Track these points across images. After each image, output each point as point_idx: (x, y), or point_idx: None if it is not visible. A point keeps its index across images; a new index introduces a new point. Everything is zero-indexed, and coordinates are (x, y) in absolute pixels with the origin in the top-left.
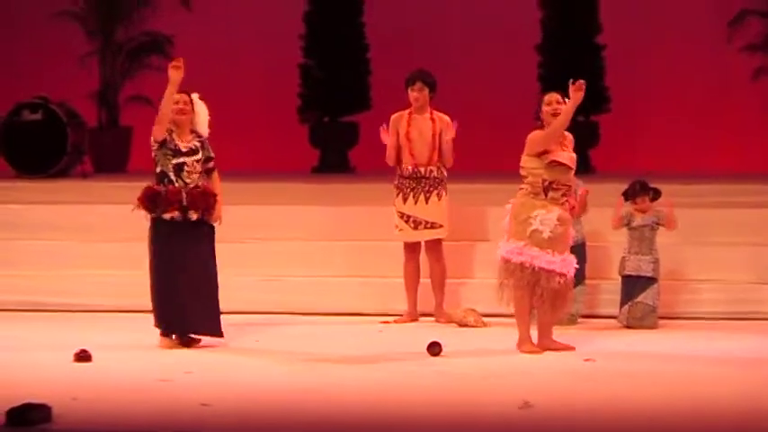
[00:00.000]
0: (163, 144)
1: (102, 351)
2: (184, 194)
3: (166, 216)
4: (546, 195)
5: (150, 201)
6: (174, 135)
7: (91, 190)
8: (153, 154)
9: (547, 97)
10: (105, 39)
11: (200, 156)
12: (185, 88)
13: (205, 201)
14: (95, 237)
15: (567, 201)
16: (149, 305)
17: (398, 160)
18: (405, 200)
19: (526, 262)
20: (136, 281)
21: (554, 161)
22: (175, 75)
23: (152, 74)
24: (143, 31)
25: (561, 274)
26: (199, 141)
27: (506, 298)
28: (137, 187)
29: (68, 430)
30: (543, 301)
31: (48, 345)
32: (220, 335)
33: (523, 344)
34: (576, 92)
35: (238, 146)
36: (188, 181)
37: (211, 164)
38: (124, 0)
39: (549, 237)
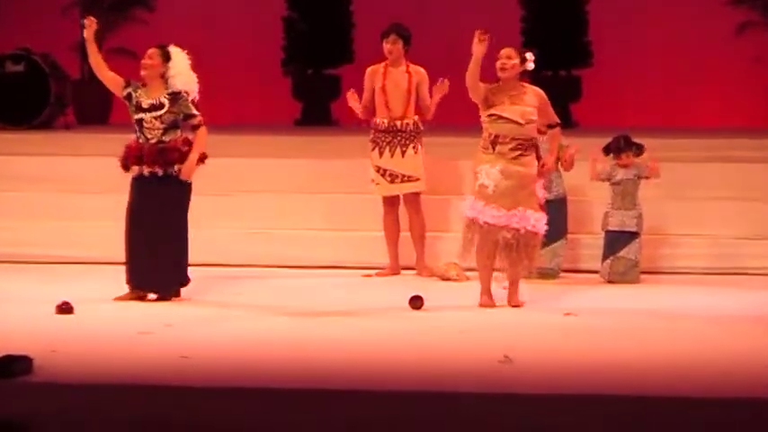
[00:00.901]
0: (128, 99)
1: (84, 303)
2: (144, 150)
3: (130, 171)
4: (494, 149)
5: (122, 158)
6: (141, 90)
7: (73, 141)
8: None
9: (500, 52)
10: None
11: (161, 112)
12: (171, 41)
13: (163, 156)
14: (78, 188)
15: (521, 155)
16: None
17: (373, 114)
18: (381, 154)
19: (475, 217)
20: (118, 233)
21: (494, 114)
22: (86, 33)
23: (135, 26)
24: None
25: (511, 229)
26: (168, 96)
27: (465, 255)
28: (118, 139)
29: (49, 382)
30: (500, 256)
31: (29, 297)
32: (167, 293)
33: (480, 297)
34: (477, 44)
35: (222, 98)
36: (149, 136)
37: (195, 120)
38: None
39: (493, 191)
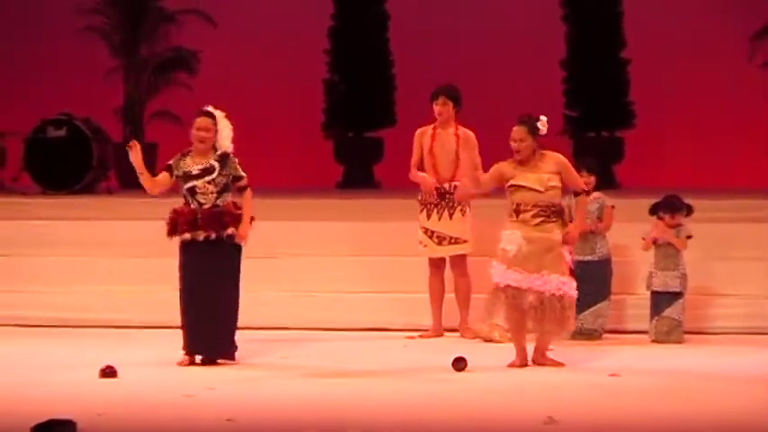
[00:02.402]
0: (178, 177)
1: (128, 367)
2: (198, 215)
3: (182, 238)
4: (517, 217)
5: (170, 224)
6: (186, 159)
7: (116, 206)
8: None
9: (512, 133)
10: (130, 54)
11: (214, 175)
12: (212, 104)
13: (219, 220)
14: (120, 252)
15: (544, 221)
16: (174, 321)
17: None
18: (429, 216)
19: (498, 281)
20: (161, 296)
21: (513, 185)
22: (132, 157)
23: (177, 89)
24: (168, 47)
25: (534, 291)
26: (217, 160)
27: (488, 317)
28: (161, 203)
29: None
30: (530, 319)
31: (73, 361)
32: (230, 357)
33: (515, 360)
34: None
35: (263, 161)
36: (202, 201)
37: (242, 182)
38: (149, 16)
39: (514, 255)
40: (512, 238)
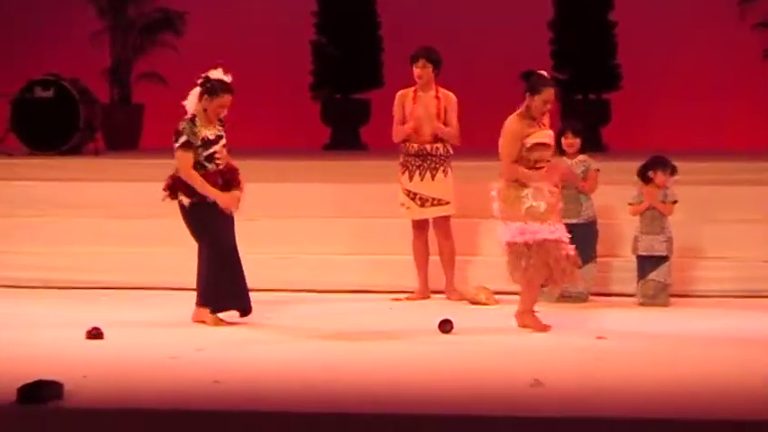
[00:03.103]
0: (200, 145)
1: (115, 328)
2: (219, 176)
3: (210, 199)
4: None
5: (187, 187)
6: (198, 127)
7: (103, 167)
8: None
9: (548, 92)
10: (117, 15)
11: (224, 140)
12: (200, 66)
13: (235, 176)
14: (107, 214)
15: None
16: (161, 282)
17: (404, 137)
18: (411, 177)
19: (530, 239)
20: (149, 258)
21: (536, 143)
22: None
23: (164, 51)
24: (155, 8)
25: (564, 242)
26: (221, 124)
27: (519, 279)
28: (149, 164)
29: (80, 408)
30: (556, 271)
31: (59, 322)
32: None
33: (525, 315)
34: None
35: (250, 123)
36: (219, 164)
37: None
38: None
39: (545, 209)
40: (538, 194)
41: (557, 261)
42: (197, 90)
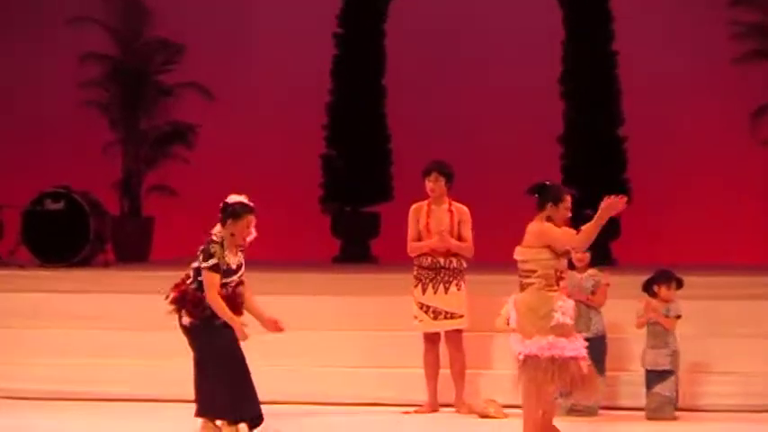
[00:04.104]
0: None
1: None
2: (228, 301)
3: (218, 321)
4: (558, 285)
5: (195, 306)
6: (225, 252)
7: (113, 279)
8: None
9: (568, 199)
10: (128, 128)
11: (243, 268)
12: (211, 178)
13: (241, 302)
14: (117, 326)
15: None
16: (172, 394)
17: (419, 253)
18: (424, 290)
19: (556, 354)
20: (156, 370)
21: (564, 252)
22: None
23: (175, 163)
24: (166, 121)
25: (584, 358)
26: (241, 251)
27: (530, 392)
28: (158, 277)
29: None
30: (574, 388)
31: None
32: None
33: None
34: (609, 207)
35: (260, 235)
36: (229, 290)
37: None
38: (148, 90)
39: (570, 324)
40: (567, 309)
41: (576, 377)
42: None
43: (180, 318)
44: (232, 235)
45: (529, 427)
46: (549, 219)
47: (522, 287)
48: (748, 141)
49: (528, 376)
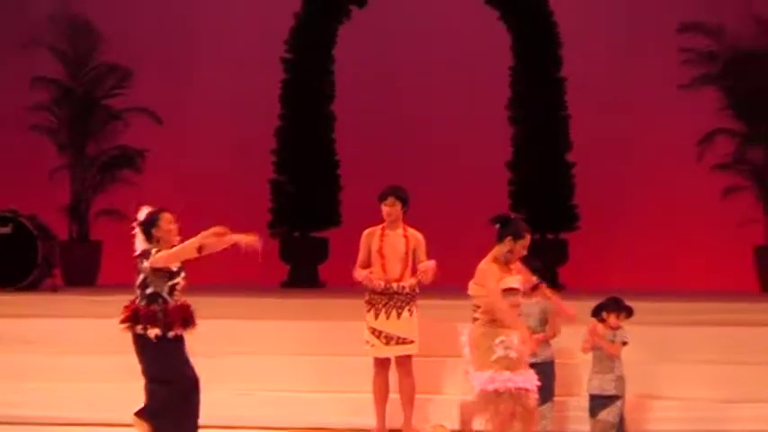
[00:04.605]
0: (159, 268)
1: None
2: (186, 311)
3: (171, 334)
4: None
5: (149, 320)
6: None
7: (61, 303)
8: (143, 276)
9: (528, 238)
10: (77, 152)
11: (184, 272)
12: (159, 202)
13: (192, 313)
14: (65, 350)
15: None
16: (118, 419)
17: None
18: (376, 315)
19: (500, 387)
20: (106, 394)
21: (510, 288)
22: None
23: (123, 187)
24: (115, 146)
25: (532, 391)
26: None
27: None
28: (106, 301)
29: None
30: (522, 421)
31: None
32: None
33: None
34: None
35: (208, 259)
36: (177, 299)
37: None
38: (96, 114)
39: (515, 358)
40: (511, 342)
41: (523, 410)
42: (140, 235)
43: (141, 335)
44: (158, 241)
45: None
46: (508, 252)
47: (473, 321)
48: (696, 167)
49: (484, 413)
